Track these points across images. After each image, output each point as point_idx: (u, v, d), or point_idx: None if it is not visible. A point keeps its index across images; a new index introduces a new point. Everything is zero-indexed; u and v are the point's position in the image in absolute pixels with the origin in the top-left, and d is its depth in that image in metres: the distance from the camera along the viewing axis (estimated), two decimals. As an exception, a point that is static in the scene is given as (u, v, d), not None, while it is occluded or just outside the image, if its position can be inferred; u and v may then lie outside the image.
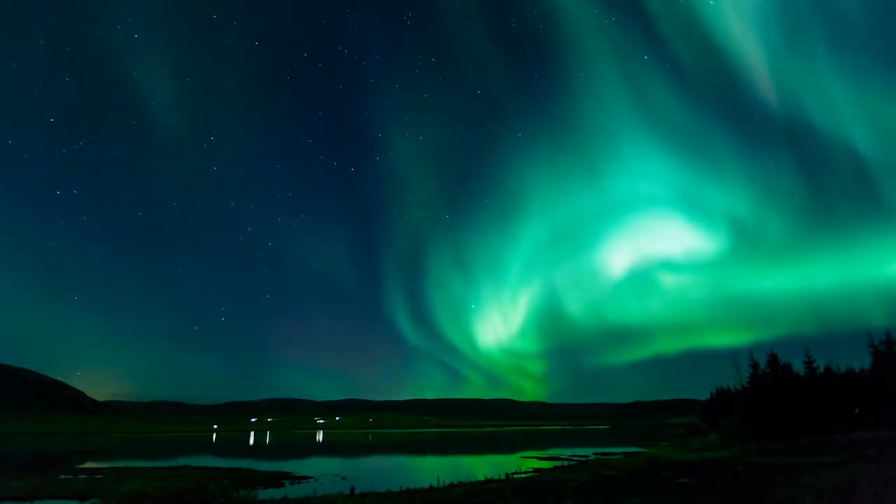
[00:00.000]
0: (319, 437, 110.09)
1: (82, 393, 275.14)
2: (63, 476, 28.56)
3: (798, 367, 34.66)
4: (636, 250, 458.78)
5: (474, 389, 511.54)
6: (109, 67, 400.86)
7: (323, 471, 32.56)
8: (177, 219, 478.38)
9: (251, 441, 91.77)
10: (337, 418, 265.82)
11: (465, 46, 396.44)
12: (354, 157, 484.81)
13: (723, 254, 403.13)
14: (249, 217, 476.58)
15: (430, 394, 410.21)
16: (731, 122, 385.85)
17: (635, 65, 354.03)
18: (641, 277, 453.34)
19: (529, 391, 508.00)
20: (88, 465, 40.47)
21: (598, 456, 38.92)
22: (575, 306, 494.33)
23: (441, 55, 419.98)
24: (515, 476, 24.07)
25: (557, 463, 33.92)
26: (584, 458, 36.70)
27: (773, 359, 34.82)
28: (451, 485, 20.87)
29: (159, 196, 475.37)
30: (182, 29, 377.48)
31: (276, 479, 27.12)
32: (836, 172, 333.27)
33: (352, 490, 19.48)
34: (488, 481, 21.43)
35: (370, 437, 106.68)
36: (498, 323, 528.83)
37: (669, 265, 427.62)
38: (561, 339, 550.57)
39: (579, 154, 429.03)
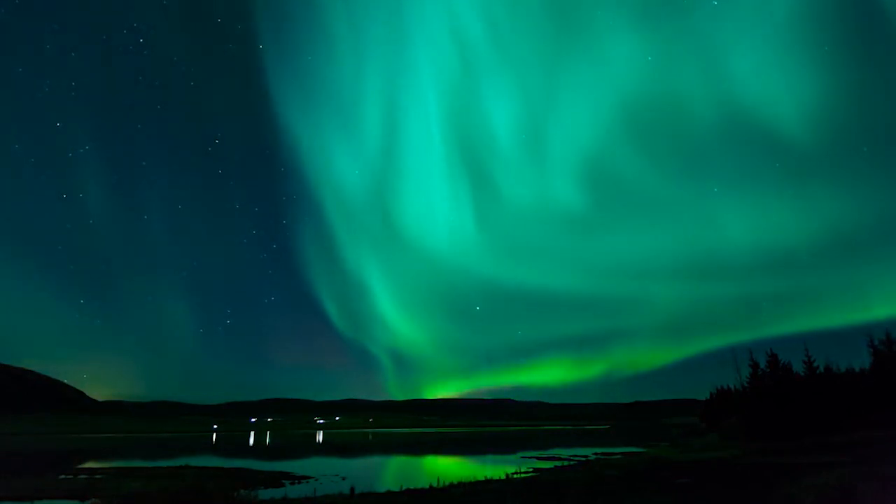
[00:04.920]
0: (319, 437, 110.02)
1: (82, 393, 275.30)
2: (63, 476, 28.54)
3: (798, 366, 34.74)
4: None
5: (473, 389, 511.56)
6: (114, 72, 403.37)
7: (323, 471, 32.52)
8: (182, 221, 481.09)
9: (251, 441, 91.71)
10: (337, 418, 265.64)
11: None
12: (358, 160, 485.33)
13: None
14: (254, 219, 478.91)
15: (430, 394, 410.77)
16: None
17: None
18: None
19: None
20: (88, 465, 40.41)
21: (598, 456, 38.88)
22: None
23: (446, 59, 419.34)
24: (515, 476, 24.05)
25: (557, 463, 33.88)
26: (584, 458, 36.66)
27: (773, 359, 34.87)
28: (451, 485, 20.83)
29: (164, 199, 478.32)
30: (186, 33, 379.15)
31: (276, 479, 27.08)
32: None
33: (352, 490, 19.46)
34: (488, 481, 21.42)
35: (370, 437, 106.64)
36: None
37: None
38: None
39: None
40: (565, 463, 33.42)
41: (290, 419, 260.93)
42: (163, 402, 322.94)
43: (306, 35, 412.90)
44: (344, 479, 27.51)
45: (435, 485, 20.82)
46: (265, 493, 21.18)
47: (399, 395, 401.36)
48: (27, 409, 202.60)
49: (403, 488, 20.13)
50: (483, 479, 22.76)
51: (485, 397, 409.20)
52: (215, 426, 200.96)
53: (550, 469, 27.94)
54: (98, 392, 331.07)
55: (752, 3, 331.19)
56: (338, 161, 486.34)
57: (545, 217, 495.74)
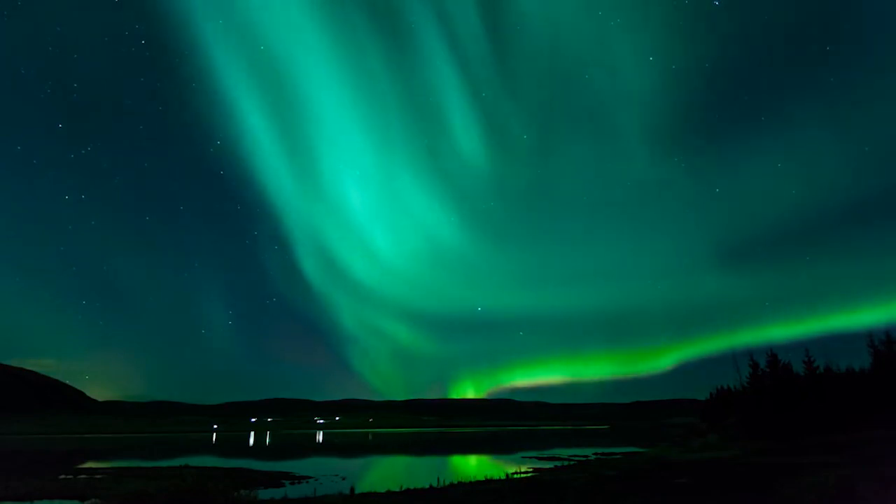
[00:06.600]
0: (319, 437, 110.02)
1: (82, 393, 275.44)
2: (63, 476, 28.55)
3: (798, 367, 34.73)
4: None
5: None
6: (116, 73, 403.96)
7: (323, 471, 32.54)
8: (184, 223, 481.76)
9: (251, 441, 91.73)
10: (337, 418, 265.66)
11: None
12: (360, 158, 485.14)
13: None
14: (256, 221, 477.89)
15: (430, 394, 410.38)
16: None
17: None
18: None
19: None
20: (88, 465, 40.45)
21: (598, 456, 38.90)
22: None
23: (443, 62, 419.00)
24: (515, 476, 24.05)
25: (557, 463, 33.89)
26: (584, 458, 36.68)
27: (773, 359, 34.87)
28: (451, 485, 20.84)
29: (166, 200, 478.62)
30: (187, 34, 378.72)
31: (276, 479, 27.11)
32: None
33: (352, 490, 19.46)
34: (488, 481, 21.41)
35: (370, 437, 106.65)
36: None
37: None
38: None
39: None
40: (565, 463, 33.41)
41: (290, 419, 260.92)
42: (163, 402, 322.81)
43: (308, 37, 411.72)
44: (344, 479, 27.53)
45: (435, 485, 20.84)
46: (265, 493, 21.20)
47: (399, 396, 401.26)
48: (27, 409, 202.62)
49: (403, 488, 20.13)
50: (483, 478, 22.77)
51: (485, 397, 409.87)
52: (215, 426, 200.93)
53: (550, 469, 27.92)
54: (98, 392, 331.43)
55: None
56: (338, 163, 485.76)
57: (541, 220, 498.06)
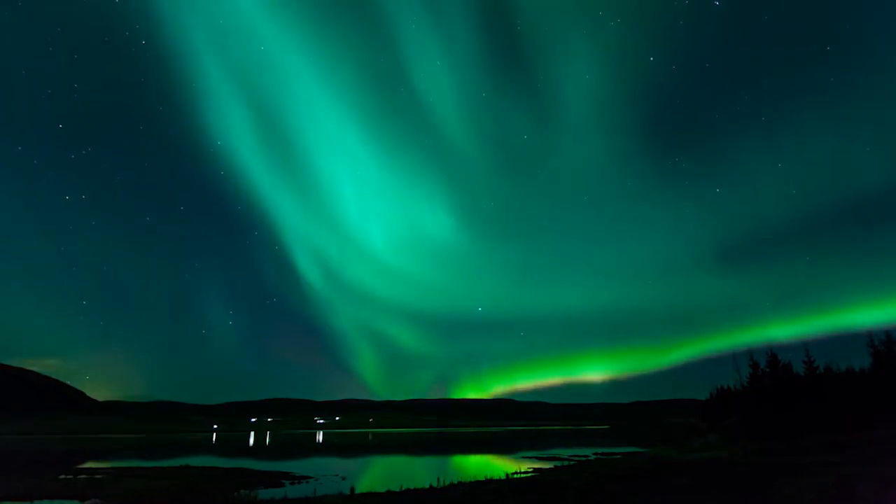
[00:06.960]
0: (319, 437, 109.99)
1: (82, 393, 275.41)
2: (63, 476, 28.54)
3: (798, 367, 34.75)
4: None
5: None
6: (117, 73, 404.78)
7: (323, 471, 32.54)
8: (184, 223, 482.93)
9: (251, 441, 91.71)
10: (337, 418, 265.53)
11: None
12: (360, 159, 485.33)
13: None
14: (256, 221, 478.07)
15: (431, 394, 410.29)
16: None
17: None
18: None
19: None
20: (88, 465, 40.42)
21: (599, 456, 38.89)
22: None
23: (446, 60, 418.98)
24: (515, 476, 24.05)
25: (557, 463, 33.88)
26: (584, 458, 36.67)
27: (773, 359, 34.90)
28: (451, 485, 20.85)
29: (167, 200, 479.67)
30: (187, 34, 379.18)
31: (276, 479, 27.09)
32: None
33: (352, 490, 19.47)
34: (488, 481, 21.41)
35: (370, 437, 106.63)
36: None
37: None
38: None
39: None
40: (565, 463, 33.41)
41: (290, 419, 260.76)
42: (163, 402, 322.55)
43: (307, 38, 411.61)
44: (344, 479, 27.53)
45: (435, 485, 20.84)
46: (265, 493, 21.20)
47: (399, 396, 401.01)
48: (27, 409, 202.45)
49: (403, 488, 20.13)
50: (483, 478, 22.77)
51: (485, 397, 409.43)
52: (215, 426, 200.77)
53: (550, 469, 27.91)
54: (98, 392, 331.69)
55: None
56: (338, 163, 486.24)
57: (541, 220, 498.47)
